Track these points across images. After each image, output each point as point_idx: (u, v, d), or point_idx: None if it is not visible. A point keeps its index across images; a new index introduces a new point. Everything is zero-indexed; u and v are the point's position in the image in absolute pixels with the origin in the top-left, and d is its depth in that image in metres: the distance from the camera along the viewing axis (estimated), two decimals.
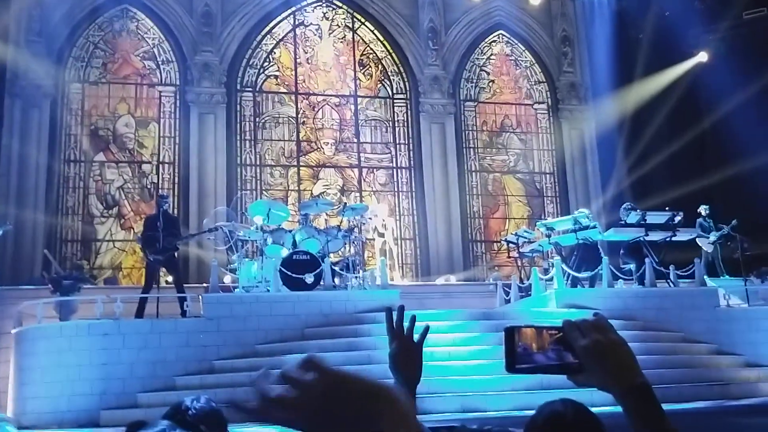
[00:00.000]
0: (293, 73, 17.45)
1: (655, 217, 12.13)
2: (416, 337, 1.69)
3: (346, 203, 13.82)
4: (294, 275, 10.55)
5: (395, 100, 17.90)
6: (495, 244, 17.31)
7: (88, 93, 16.06)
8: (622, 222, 12.23)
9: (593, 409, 1.91)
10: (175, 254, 11.20)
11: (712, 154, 16.26)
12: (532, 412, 1.97)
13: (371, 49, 18.06)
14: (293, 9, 17.58)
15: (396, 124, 17.77)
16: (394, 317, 1.66)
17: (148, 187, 15.95)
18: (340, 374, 0.82)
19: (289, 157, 17.05)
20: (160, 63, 16.62)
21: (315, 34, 17.81)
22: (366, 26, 18.06)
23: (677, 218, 12.19)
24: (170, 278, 11.47)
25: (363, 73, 17.91)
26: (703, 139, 16.43)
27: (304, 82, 17.53)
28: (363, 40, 18.08)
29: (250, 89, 17.05)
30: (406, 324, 1.69)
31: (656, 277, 11.56)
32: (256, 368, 9.20)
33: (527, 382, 8.47)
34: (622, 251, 12.33)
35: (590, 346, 1.08)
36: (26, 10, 15.41)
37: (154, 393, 9.10)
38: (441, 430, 1.61)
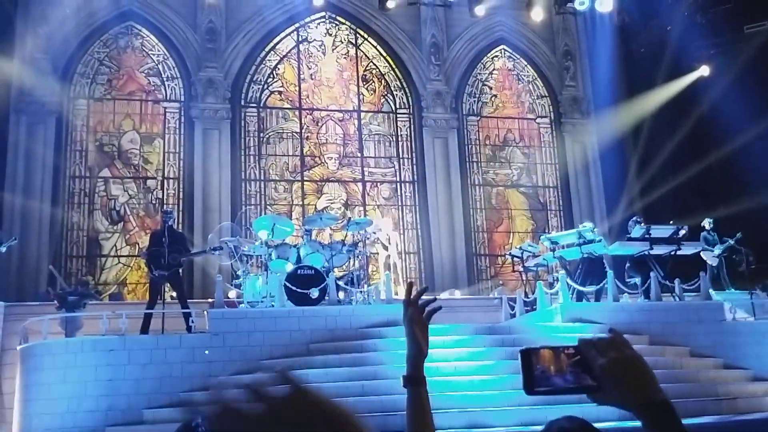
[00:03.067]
0: (297, 88, 17.54)
1: (660, 231, 12.13)
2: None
3: (350, 218, 13.84)
4: (299, 290, 10.55)
5: (398, 115, 17.97)
6: (499, 258, 17.31)
7: (94, 109, 16.15)
8: (628, 236, 12.24)
9: (600, 425, 1.93)
10: (180, 270, 11.21)
11: (717, 166, 16.28)
12: (538, 427, 2.00)
13: (374, 64, 18.15)
14: (297, 25, 17.71)
15: (399, 139, 17.83)
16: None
17: (153, 202, 16.00)
18: (315, 394, 0.78)
19: (293, 172, 17.10)
20: (164, 79, 16.73)
21: (318, 50, 17.92)
22: (369, 42, 18.17)
23: (682, 232, 12.18)
24: (174, 294, 11.47)
25: (366, 88, 17.99)
26: (708, 153, 16.45)
27: (307, 97, 17.61)
28: (366, 55, 18.18)
29: (254, 105, 17.14)
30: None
31: (661, 291, 11.53)
32: (262, 384, 9.21)
33: (533, 398, 8.44)
34: (627, 265, 12.31)
35: (608, 365, 1.08)
36: (32, 28, 15.54)
37: (159, 409, 9.07)
38: None
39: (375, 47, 18.15)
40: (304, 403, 0.77)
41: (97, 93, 16.26)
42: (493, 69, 18.84)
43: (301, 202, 16.90)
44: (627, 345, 1.11)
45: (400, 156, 17.73)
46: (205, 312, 10.57)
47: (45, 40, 15.61)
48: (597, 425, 1.98)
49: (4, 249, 11.80)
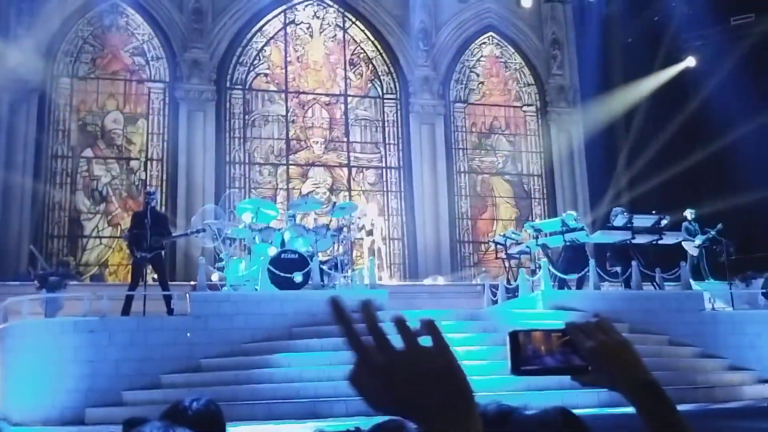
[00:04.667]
0: (283, 71, 17.42)
1: (642, 220, 12.21)
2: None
3: (335, 202, 13.81)
4: (282, 274, 10.52)
5: (385, 100, 17.91)
6: (483, 245, 17.36)
7: (77, 88, 15.96)
8: (610, 224, 12.32)
9: (580, 412, 1.93)
10: (162, 252, 11.13)
11: (703, 159, 16.39)
12: None
13: (362, 48, 18.06)
14: (284, 7, 17.56)
15: (386, 124, 17.79)
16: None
17: (136, 183, 15.88)
18: (453, 356, 0.74)
19: (279, 155, 17.02)
20: (149, 59, 16.54)
21: (306, 33, 17.79)
22: (357, 26, 18.05)
23: (663, 221, 12.28)
24: (156, 276, 11.40)
25: (353, 73, 17.90)
26: (694, 145, 16.54)
27: (294, 80, 17.50)
28: (354, 39, 18.07)
29: (239, 87, 17.00)
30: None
31: (642, 280, 11.63)
32: (243, 367, 9.21)
33: (516, 384, 8.50)
34: (608, 253, 12.40)
35: (597, 347, 1.10)
36: (15, 4, 15.30)
37: (139, 391, 9.05)
38: None
39: (363, 31, 18.05)
40: (444, 361, 0.73)
41: (80, 72, 16.05)
42: (481, 56, 18.80)
43: (285, 186, 16.84)
44: (614, 329, 1.14)
45: (386, 141, 17.69)
46: (188, 295, 10.52)
47: (28, 17, 15.37)
48: (577, 411, 1.97)
49: None
